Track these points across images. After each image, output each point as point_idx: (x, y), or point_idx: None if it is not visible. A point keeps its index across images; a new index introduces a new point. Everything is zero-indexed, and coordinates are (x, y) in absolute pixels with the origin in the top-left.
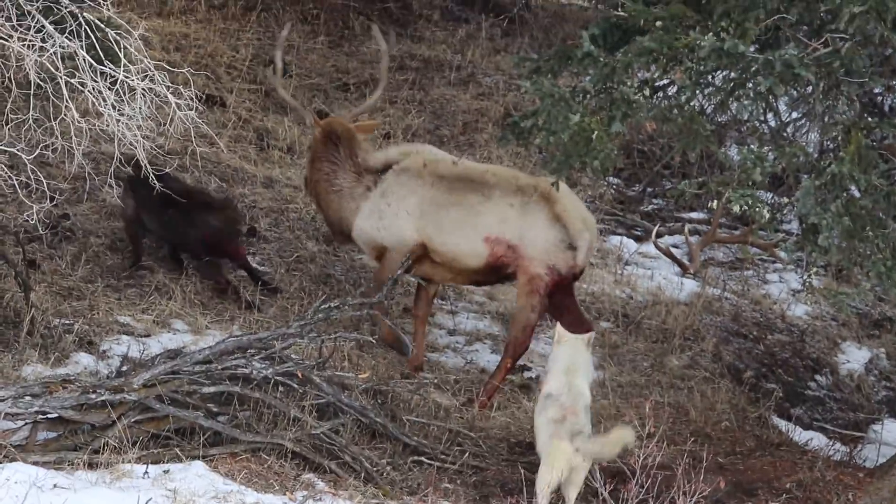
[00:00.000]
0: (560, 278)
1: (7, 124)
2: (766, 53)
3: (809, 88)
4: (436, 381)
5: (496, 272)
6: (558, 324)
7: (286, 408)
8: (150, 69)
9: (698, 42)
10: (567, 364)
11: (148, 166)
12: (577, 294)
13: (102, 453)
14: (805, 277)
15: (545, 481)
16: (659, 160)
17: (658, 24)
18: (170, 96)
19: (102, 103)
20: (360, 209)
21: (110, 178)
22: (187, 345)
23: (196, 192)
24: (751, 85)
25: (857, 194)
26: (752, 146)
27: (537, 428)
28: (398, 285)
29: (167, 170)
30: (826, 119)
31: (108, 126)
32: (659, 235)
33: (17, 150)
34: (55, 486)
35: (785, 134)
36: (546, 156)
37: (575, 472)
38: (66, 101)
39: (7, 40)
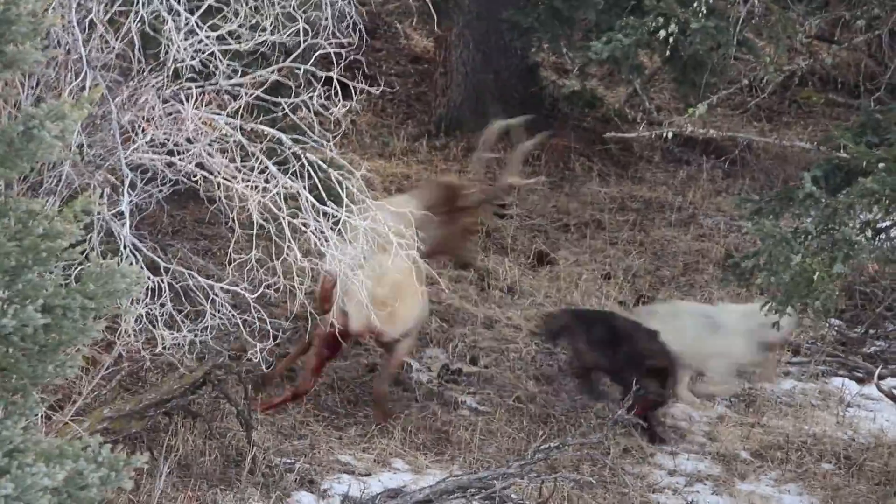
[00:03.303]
0: None
1: (230, 264)
2: None
3: None
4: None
5: None
6: None
7: None
8: (371, 209)
9: None
10: None
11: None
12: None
13: None
14: None
15: None
16: (881, 302)
17: (880, 165)
18: (391, 236)
19: (324, 243)
20: None
21: (332, 317)
22: (407, 484)
23: (632, 324)
24: None
25: None
26: None
27: None
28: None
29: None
30: None
31: (329, 266)
32: (881, 377)
33: (241, 289)
34: None
35: None
36: (767, 297)
37: None
38: (289, 241)
39: (231, 181)
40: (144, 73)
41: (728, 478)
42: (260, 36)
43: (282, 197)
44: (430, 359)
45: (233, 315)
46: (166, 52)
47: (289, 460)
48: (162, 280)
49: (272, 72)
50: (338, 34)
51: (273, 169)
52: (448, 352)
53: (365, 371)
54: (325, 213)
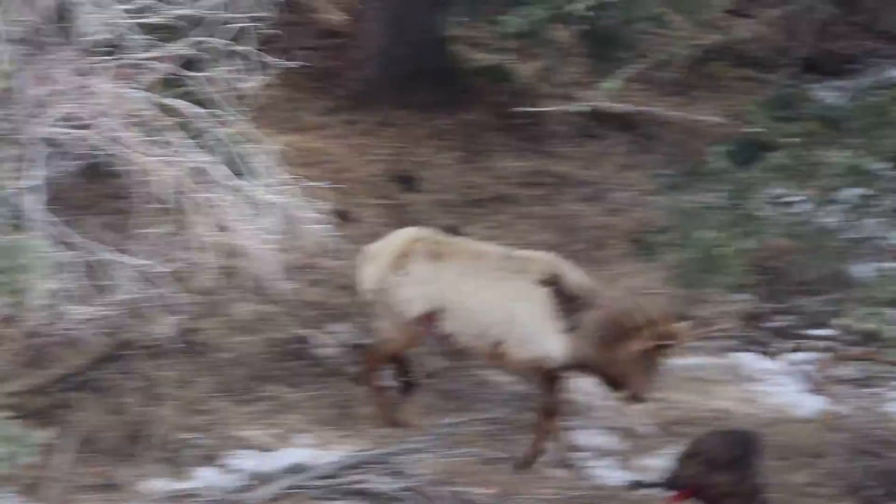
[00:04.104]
0: None
1: (141, 239)
2: None
3: None
4: (557, 496)
5: None
6: None
7: None
8: (283, 183)
9: (831, 159)
10: None
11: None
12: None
13: None
14: None
15: None
16: (789, 277)
17: (791, 139)
18: (303, 210)
19: (235, 217)
20: None
21: (241, 291)
22: (311, 459)
23: None
24: (883, 202)
25: None
26: (882, 263)
27: None
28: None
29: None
30: None
31: (240, 240)
32: (787, 352)
33: (151, 263)
34: None
35: None
36: (676, 271)
37: None
38: (201, 216)
39: (143, 155)
40: (57, 47)
41: (632, 452)
42: (174, 9)
43: (194, 171)
44: (334, 333)
45: (142, 290)
46: (79, 26)
47: (192, 436)
48: (71, 255)
49: (186, 46)
50: (253, 7)
51: (186, 143)
52: (353, 326)
53: (271, 346)
54: (236, 187)
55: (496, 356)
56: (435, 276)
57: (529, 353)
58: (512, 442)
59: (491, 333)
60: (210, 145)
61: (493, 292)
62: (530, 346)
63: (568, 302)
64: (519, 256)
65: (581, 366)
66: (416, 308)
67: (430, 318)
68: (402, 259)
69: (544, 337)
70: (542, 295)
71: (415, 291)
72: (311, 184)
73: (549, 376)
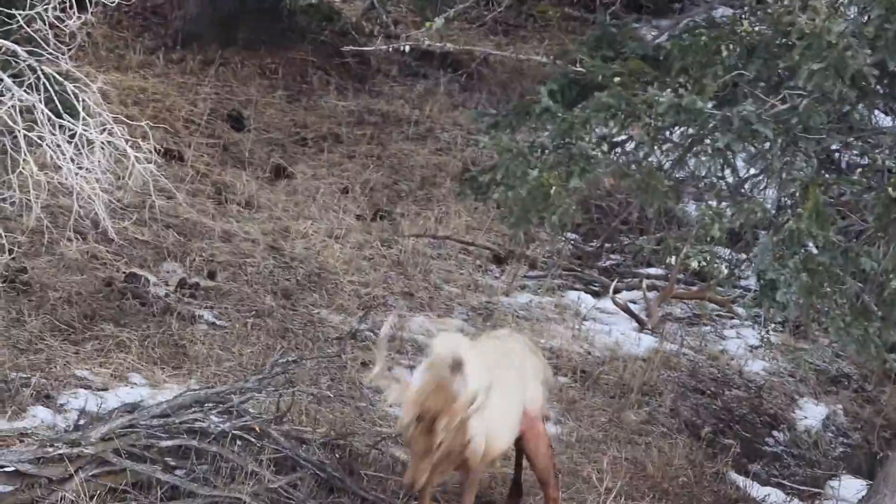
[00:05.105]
0: None
1: None
2: (724, 110)
3: (767, 145)
4: (394, 435)
5: None
6: None
7: (244, 462)
8: (108, 123)
9: (656, 98)
10: None
11: None
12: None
13: None
14: (763, 333)
15: None
16: (617, 216)
17: (616, 79)
18: (128, 150)
19: (61, 157)
20: None
21: (69, 231)
22: (145, 398)
23: None
24: (709, 141)
25: (814, 251)
26: (709, 202)
27: None
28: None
29: None
30: (784, 175)
31: (66, 179)
32: (616, 291)
33: None
34: None
35: (743, 190)
36: (504, 211)
37: None
38: (25, 155)
39: None
40: None
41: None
42: None
43: (17, 110)
44: (167, 273)
45: None
46: None
47: (25, 375)
48: None
49: None
50: None
51: (8, 81)
52: (185, 265)
53: (102, 285)
54: (61, 127)
55: None
56: None
57: None
58: (343, 381)
59: None
60: (33, 84)
61: None
62: None
63: None
64: None
65: None
66: None
67: None
68: None
69: None
70: None
71: None
72: (136, 123)
73: None
